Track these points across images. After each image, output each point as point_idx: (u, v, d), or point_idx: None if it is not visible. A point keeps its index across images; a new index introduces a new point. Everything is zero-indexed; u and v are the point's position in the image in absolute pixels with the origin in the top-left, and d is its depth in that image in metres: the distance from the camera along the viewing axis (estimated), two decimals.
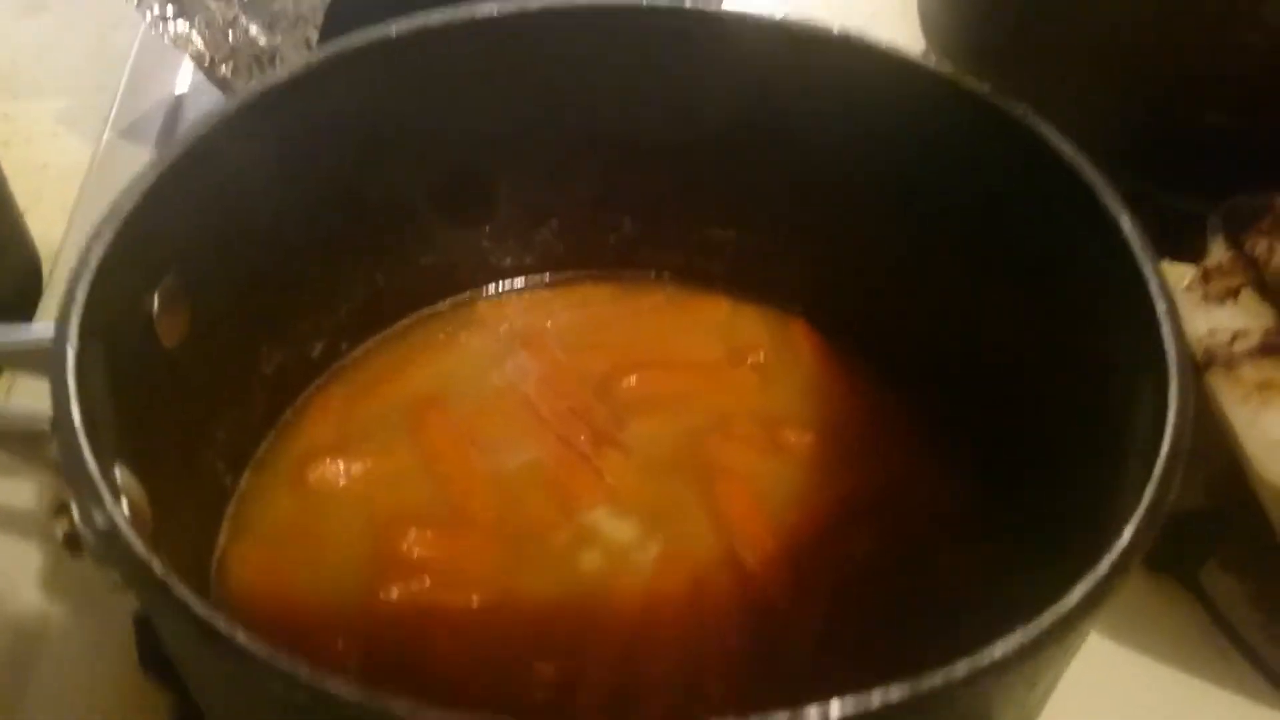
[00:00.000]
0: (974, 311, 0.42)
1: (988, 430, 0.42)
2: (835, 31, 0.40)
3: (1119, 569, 0.25)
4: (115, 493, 0.27)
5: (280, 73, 0.37)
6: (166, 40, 0.55)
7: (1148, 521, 0.26)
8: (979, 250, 0.41)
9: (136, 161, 0.64)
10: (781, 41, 0.41)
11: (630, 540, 0.41)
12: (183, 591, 0.24)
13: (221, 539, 0.41)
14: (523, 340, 0.48)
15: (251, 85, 0.37)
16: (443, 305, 0.49)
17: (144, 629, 0.41)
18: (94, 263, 0.30)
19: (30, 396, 0.48)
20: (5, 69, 0.74)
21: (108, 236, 0.31)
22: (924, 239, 0.43)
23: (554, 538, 0.41)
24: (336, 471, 0.42)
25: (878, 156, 0.42)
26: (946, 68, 0.39)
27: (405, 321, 0.48)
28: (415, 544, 0.40)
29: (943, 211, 0.41)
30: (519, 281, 0.50)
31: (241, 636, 0.23)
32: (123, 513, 0.26)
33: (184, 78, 0.69)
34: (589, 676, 0.37)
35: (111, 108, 0.68)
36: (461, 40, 0.40)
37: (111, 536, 0.26)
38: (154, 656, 0.40)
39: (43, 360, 0.33)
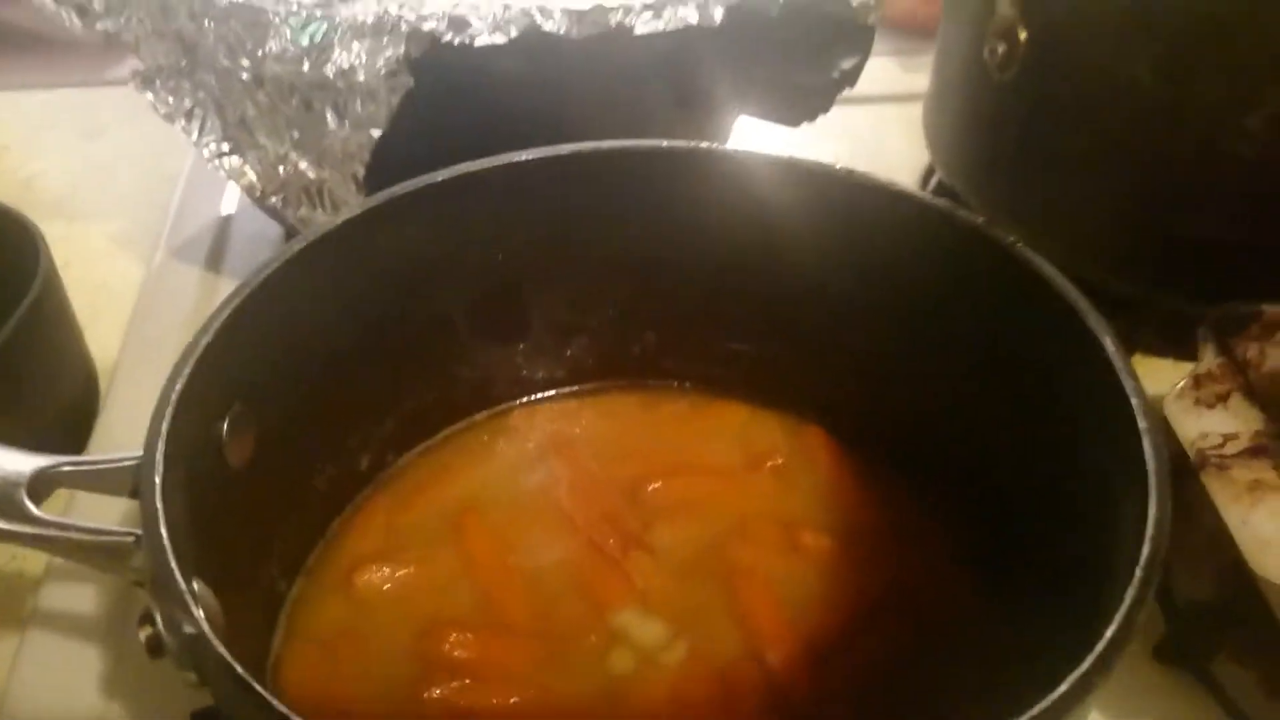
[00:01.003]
0: (977, 422, 0.45)
1: (990, 531, 0.44)
2: (840, 169, 0.44)
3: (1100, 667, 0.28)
4: (198, 602, 0.30)
5: (339, 217, 0.41)
6: (221, 173, 0.59)
7: (1124, 630, 0.28)
8: (978, 366, 0.44)
9: (186, 281, 0.70)
10: (792, 177, 0.45)
11: (659, 642, 0.43)
12: (261, 690, 0.27)
13: (276, 641, 0.43)
14: (554, 448, 0.51)
15: (312, 229, 0.40)
16: (480, 416, 0.52)
17: None
18: (175, 398, 0.34)
19: (90, 511, 0.49)
20: (66, 192, 0.78)
21: (186, 372, 0.35)
22: (928, 354, 0.46)
23: (587, 640, 0.43)
24: (382, 577, 0.45)
25: (882, 280, 0.46)
26: (943, 201, 0.42)
27: (445, 432, 0.51)
28: (456, 646, 0.43)
29: (945, 330, 0.45)
30: (550, 392, 0.53)
31: None
32: (205, 621, 0.29)
33: (230, 199, 0.74)
34: None
35: (163, 228, 0.73)
36: (500, 183, 0.44)
37: (197, 641, 0.29)
38: None
39: (110, 481, 0.36)
